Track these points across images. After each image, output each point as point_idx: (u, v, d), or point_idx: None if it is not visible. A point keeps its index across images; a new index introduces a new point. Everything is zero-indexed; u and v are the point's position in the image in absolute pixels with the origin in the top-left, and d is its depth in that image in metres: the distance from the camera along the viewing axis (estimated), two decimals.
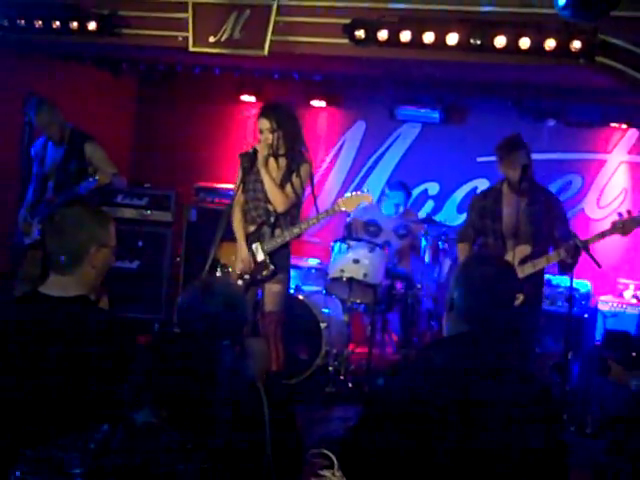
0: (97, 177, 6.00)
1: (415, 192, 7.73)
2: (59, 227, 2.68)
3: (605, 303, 6.77)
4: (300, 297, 6.34)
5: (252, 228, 5.29)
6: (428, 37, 5.51)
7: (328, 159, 8.35)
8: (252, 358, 2.60)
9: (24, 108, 6.23)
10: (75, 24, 6.36)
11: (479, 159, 7.68)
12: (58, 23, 6.38)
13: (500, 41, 5.34)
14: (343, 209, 5.39)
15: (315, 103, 8.20)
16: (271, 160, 5.24)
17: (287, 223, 5.25)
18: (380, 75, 7.20)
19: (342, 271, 6.23)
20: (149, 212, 7.46)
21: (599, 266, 5.33)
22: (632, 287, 6.96)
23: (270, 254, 5.23)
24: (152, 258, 7.41)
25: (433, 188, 8.03)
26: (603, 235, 5.20)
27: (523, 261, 5.23)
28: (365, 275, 6.19)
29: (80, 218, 2.70)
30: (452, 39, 5.45)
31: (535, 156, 5.49)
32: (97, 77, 7.97)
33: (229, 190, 7.25)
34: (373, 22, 5.66)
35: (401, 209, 7.18)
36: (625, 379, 5.14)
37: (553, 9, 4.80)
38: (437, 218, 7.39)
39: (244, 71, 7.61)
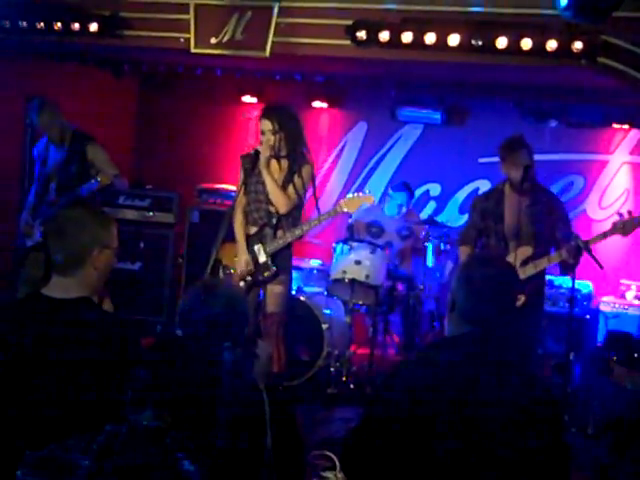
0: (99, 178, 5.99)
1: (417, 193, 7.74)
2: (61, 229, 2.67)
3: (607, 304, 6.78)
4: (302, 298, 6.34)
5: (254, 229, 5.29)
6: (430, 38, 5.51)
7: (330, 160, 8.35)
8: (258, 361, 2.61)
9: (26, 109, 6.24)
10: (77, 25, 6.37)
11: (481, 160, 7.68)
12: (60, 24, 6.38)
13: (502, 42, 5.35)
14: (345, 210, 5.39)
15: (317, 104, 8.20)
16: (273, 161, 5.23)
17: (289, 224, 5.25)
18: (382, 76, 7.21)
19: (344, 272, 6.23)
20: (151, 213, 7.47)
21: (601, 267, 5.33)
22: (634, 288, 6.96)
23: (272, 255, 5.23)
24: (154, 260, 7.42)
25: (435, 189, 8.04)
26: (604, 236, 5.19)
27: (525, 262, 5.23)
28: (367, 276, 6.19)
29: (82, 220, 2.69)
30: (454, 40, 5.46)
31: (537, 157, 5.48)
32: (99, 78, 7.97)
33: (231, 191, 7.26)
34: (375, 23, 5.67)
35: (404, 210, 7.20)
36: (627, 380, 5.14)
37: (555, 10, 4.80)
38: (439, 219, 7.40)
39: (246, 72, 7.60)
